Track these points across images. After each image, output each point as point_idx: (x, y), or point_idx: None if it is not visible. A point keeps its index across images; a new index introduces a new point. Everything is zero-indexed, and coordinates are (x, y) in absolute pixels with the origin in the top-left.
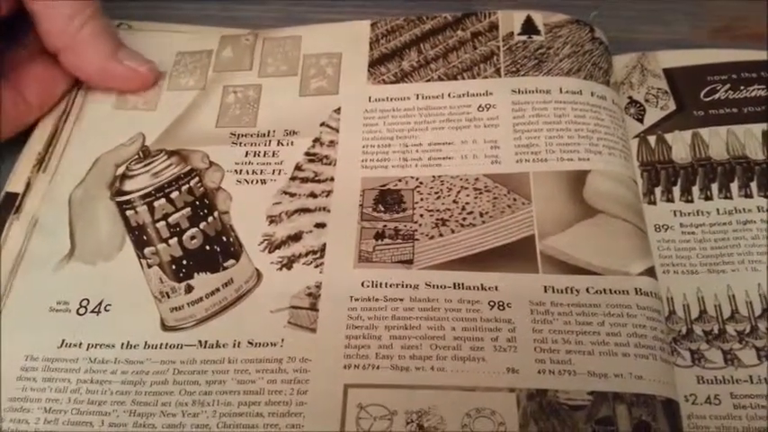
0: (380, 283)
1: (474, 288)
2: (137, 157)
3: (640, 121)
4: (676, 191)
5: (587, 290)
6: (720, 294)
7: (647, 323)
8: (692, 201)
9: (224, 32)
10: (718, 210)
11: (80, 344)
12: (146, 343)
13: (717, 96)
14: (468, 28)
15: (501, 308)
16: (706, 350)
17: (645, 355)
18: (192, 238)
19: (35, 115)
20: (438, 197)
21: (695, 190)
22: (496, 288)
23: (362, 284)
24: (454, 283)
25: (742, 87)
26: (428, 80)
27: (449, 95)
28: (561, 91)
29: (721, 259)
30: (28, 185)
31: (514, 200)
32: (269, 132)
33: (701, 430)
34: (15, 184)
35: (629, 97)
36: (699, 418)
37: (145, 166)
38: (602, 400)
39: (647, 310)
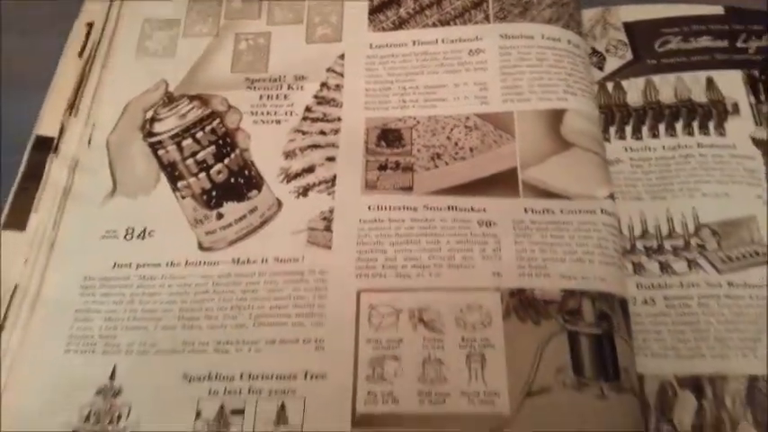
0: (385, 207)
1: (465, 210)
2: (162, 101)
3: (600, 69)
4: (628, 130)
5: (561, 211)
6: (660, 217)
7: (610, 237)
8: (641, 138)
9: None
10: (663, 146)
11: (130, 264)
12: (186, 261)
13: (669, 47)
14: None
15: (488, 225)
16: (646, 262)
17: (607, 262)
18: (219, 172)
19: None
20: (433, 134)
21: (645, 129)
22: (484, 210)
23: (369, 208)
24: (448, 206)
25: (692, 39)
26: (424, 26)
27: (442, 41)
28: (543, 37)
29: (663, 188)
30: (62, 129)
31: (500, 136)
32: (280, 77)
33: (637, 325)
34: (48, 128)
35: (592, 48)
36: (636, 315)
37: (170, 110)
38: (571, 296)
39: (609, 227)
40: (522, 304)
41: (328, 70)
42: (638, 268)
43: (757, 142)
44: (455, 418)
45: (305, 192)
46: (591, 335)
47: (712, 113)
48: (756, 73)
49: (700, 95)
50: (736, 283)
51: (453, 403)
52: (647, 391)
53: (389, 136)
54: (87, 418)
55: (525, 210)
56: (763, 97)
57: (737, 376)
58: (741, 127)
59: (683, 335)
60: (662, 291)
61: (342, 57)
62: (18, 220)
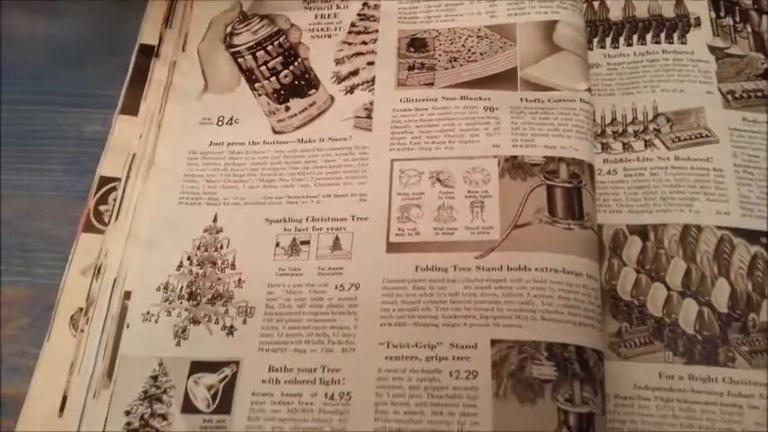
0: (412, 98)
1: (474, 99)
2: (238, 18)
3: None
4: (608, 40)
5: (548, 99)
6: (627, 108)
7: (585, 118)
8: (618, 47)
9: None
10: (634, 53)
11: (222, 143)
12: (264, 141)
13: None
14: None
15: (491, 110)
16: (612, 143)
17: (581, 138)
18: (285, 76)
19: None
20: (451, 43)
21: (621, 39)
22: (489, 99)
23: (400, 100)
24: (461, 96)
25: None
26: None
27: None
28: None
29: (631, 85)
30: (160, 38)
31: (505, 43)
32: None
33: (601, 190)
34: (149, 38)
35: None
36: (601, 182)
37: (245, 26)
38: (551, 161)
39: (585, 112)
40: (514, 167)
41: None
42: (605, 147)
43: (712, 49)
44: (460, 243)
45: (351, 90)
46: (564, 188)
47: (678, 26)
48: None
49: (669, 11)
50: (681, 157)
51: (459, 234)
52: (604, 235)
53: (417, 44)
54: (198, 248)
55: (521, 99)
56: (723, 13)
57: (675, 224)
58: (701, 36)
59: (635, 196)
60: (623, 164)
61: None
62: (131, 107)
